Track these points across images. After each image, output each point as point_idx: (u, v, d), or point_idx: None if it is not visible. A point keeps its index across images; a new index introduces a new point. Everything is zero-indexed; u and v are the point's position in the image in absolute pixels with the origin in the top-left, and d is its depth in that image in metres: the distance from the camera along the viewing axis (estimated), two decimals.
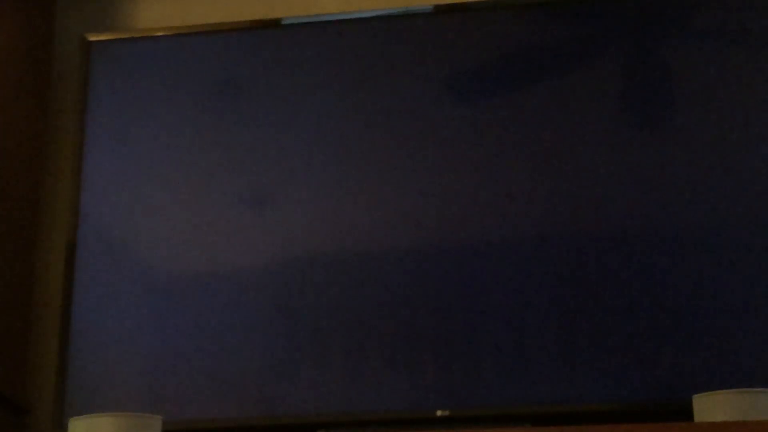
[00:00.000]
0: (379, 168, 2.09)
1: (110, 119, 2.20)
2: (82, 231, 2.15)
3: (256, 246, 2.09)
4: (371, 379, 1.98)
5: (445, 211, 2.05)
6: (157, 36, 2.25)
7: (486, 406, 1.93)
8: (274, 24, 2.22)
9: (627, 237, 1.98)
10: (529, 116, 2.08)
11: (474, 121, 2.09)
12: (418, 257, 2.04)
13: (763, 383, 1.81)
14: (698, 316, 1.92)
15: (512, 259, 2.00)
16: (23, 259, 2.20)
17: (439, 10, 2.16)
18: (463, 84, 2.12)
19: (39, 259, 2.26)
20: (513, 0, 2.15)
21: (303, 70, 2.16)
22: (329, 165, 2.11)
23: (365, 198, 2.08)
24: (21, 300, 2.18)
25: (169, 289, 2.09)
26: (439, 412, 1.93)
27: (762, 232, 1.95)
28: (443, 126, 2.09)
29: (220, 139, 2.15)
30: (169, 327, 2.06)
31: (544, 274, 1.98)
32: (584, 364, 1.92)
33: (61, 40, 2.38)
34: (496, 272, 2.00)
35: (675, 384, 1.89)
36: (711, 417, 1.63)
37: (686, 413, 1.72)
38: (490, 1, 2.15)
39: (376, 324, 2.01)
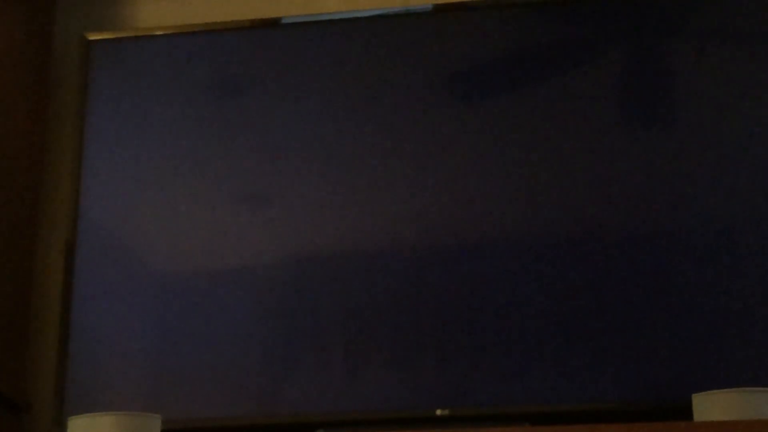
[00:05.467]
0: (378, 168, 2.09)
1: (110, 119, 2.20)
2: (82, 231, 2.15)
3: (255, 246, 2.09)
4: (371, 378, 1.98)
5: (445, 211, 2.05)
6: (157, 36, 2.25)
7: (485, 405, 1.93)
8: (273, 23, 2.22)
9: (627, 236, 1.98)
10: (529, 116, 2.08)
11: (474, 121, 2.09)
12: (417, 257, 2.03)
13: (763, 383, 1.81)
14: (698, 316, 1.92)
15: (512, 258, 2.00)
16: (23, 259, 2.20)
17: (438, 9, 2.16)
18: (463, 83, 2.12)
19: (39, 259, 2.26)
20: (513, 0, 2.15)
21: (303, 70, 2.16)
22: (329, 165, 2.11)
23: (365, 198, 2.08)
24: (21, 299, 2.18)
25: (169, 289, 2.09)
26: (438, 412, 1.93)
27: (762, 232, 1.95)
28: (443, 125, 2.09)
29: (220, 139, 2.15)
30: (168, 326, 2.06)
31: (544, 274, 1.98)
32: (584, 363, 1.92)
33: (61, 40, 2.38)
34: (495, 272, 2.00)
35: (675, 383, 1.89)
36: (710, 416, 1.63)
37: (686, 412, 1.72)
38: (490, 1, 2.15)
39: (376, 324, 2.01)
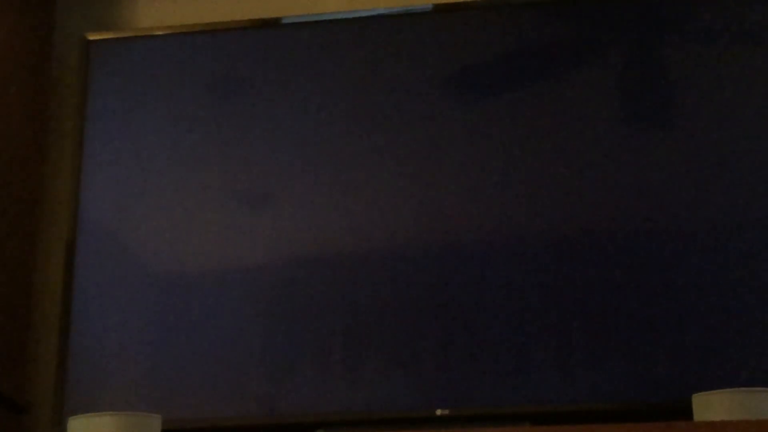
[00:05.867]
0: (378, 167, 2.09)
1: (110, 119, 2.20)
2: (82, 231, 2.15)
3: (255, 246, 2.09)
4: (371, 378, 1.98)
5: (445, 211, 2.05)
6: (157, 35, 2.25)
7: (485, 405, 1.92)
8: (274, 23, 2.22)
9: (626, 237, 1.98)
10: (529, 116, 2.08)
11: (474, 121, 2.09)
12: (417, 257, 2.03)
13: (763, 383, 1.81)
14: (698, 316, 1.92)
15: (512, 258, 2.00)
16: (23, 259, 2.20)
17: (438, 9, 2.16)
18: (463, 83, 2.12)
19: (39, 259, 2.25)
20: (513, 0, 2.15)
21: (303, 70, 2.16)
22: (329, 164, 2.11)
23: (365, 198, 2.08)
24: (21, 300, 2.18)
25: (169, 289, 2.09)
26: (438, 412, 1.93)
27: (762, 232, 1.94)
28: (443, 125, 2.09)
29: (220, 139, 2.15)
30: (168, 327, 2.06)
31: (544, 274, 1.98)
32: (584, 363, 1.92)
33: (61, 40, 2.38)
34: (495, 272, 1.99)
35: (675, 384, 1.89)
36: (710, 416, 1.63)
37: (686, 413, 1.72)
38: (490, 1, 2.15)
39: (376, 324, 2.01)
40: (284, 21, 2.22)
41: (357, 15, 2.20)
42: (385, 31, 2.17)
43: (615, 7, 2.10)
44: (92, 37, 2.27)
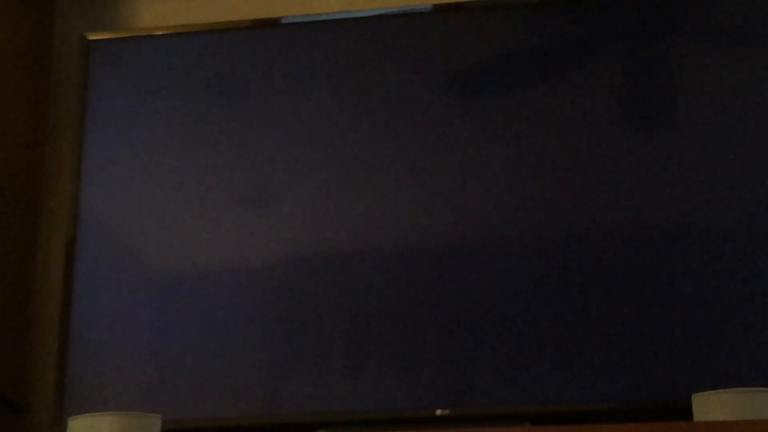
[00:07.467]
0: (378, 167, 2.09)
1: (110, 118, 2.20)
2: (82, 231, 2.15)
3: (256, 246, 2.09)
4: (371, 378, 1.98)
5: (445, 211, 2.05)
6: (157, 35, 2.25)
7: (485, 405, 1.93)
8: (273, 23, 2.22)
9: (627, 236, 1.98)
10: (529, 116, 2.08)
11: (474, 121, 2.09)
12: (418, 257, 2.03)
13: (763, 383, 1.81)
14: (698, 316, 1.92)
15: (512, 258, 2.00)
16: (23, 259, 2.20)
17: (438, 9, 2.16)
18: (463, 83, 2.12)
19: (39, 258, 2.25)
20: (513, 0, 2.15)
21: (303, 70, 2.16)
22: (329, 165, 2.11)
23: (365, 198, 2.08)
24: (21, 299, 2.18)
25: (169, 289, 2.09)
26: (438, 412, 1.93)
27: (762, 232, 1.95)
28: (443, 125, 2.09)
29: (220, 139, 2.15)
30: (168, 327, 2.06)
31: (544, 274, 1.98)
32: (584, 363, 1.92)
33: (61, 40, 2.38)
34: (495, 272, 2.00)
35: (675, 383, 1.89)
36: (710, 416, 1.63)
37: (686, 413, 1.72)
38: (490, 1, 2.15)
39: (376, 324, 2.01)
40: (284, 21, 2.22)
41: (357, 15, 2.21)
42: (385, 31, 2.17)
43: (615, 7, 2.10)
44: (92, 37, 2.27)
